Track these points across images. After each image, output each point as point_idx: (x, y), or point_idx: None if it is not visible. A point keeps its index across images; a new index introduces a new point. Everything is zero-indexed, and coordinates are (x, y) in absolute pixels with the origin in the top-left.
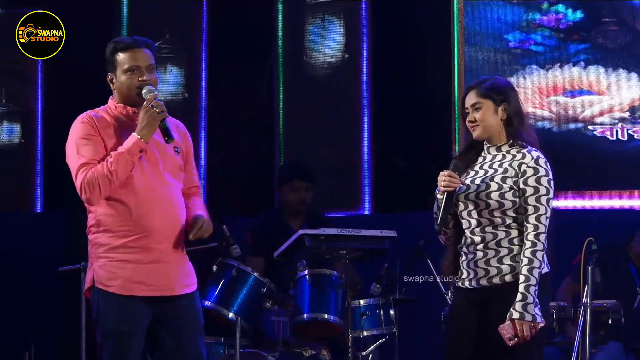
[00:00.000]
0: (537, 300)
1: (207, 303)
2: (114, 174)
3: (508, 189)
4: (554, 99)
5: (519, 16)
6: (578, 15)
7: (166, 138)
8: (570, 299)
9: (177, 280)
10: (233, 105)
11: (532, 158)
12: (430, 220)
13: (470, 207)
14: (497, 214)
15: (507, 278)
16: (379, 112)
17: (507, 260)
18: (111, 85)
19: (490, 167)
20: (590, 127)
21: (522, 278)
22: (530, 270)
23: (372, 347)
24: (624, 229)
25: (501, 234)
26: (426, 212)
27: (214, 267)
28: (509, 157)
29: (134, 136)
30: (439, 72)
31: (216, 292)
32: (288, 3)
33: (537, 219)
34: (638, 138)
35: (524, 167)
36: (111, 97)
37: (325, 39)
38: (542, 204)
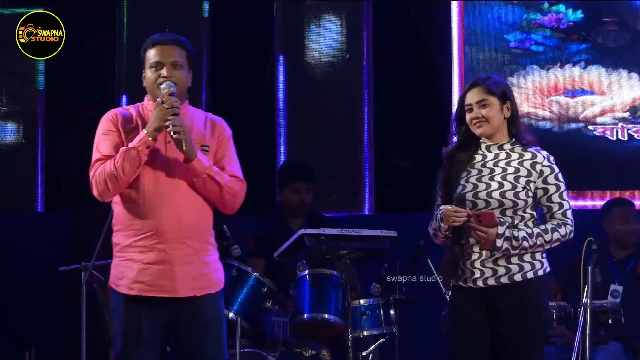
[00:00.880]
0: (522, 245)
1: None
2: (119, 170)
3: (521, 189)
4: (554, 99)
5: (519, 16)
6: (578, 15)
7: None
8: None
9: (182, 282)
10: (233, 105)
11: (544, 157)
12: (430, 220)
13: (481, 205)
14: (508, 213)
15: (516, 277)
16: (380, 112)
17: (515, 260)
18: (143, 82)
19: (496, 165)
20: (590, 127)
21: (535, 229)
22: (544, 232)
23: (372, 347)
24: None
25: None
26: (427, 212)
27: None
28: (514, 155)
29: (142, 133)
30: (440, 72)
31: None
32: (289, 3)
33: (564, 214)
34: (638, 138)
35: (539, 167)
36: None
37: (326, 39)
38: (565, 200)
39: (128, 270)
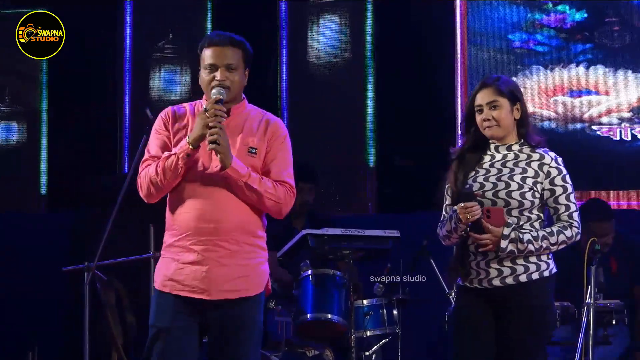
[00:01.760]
0: (527, 248)
1: None
2: (160, 176)
3: (528, 189)
4: (557, 99)
5: (522, 16)
6: (581, 15)
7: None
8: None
9: (216, 284)
10: None
11: (552, 159)
12: (433, 220)
13: (487, 205)
14: (514, 213)
15: (522, 278)
16: (383, 112)
17: (520, 261)
18: (199, 80)
19: (504, 165)
20: (593, 127)
21: (540, 232)
22: (549, 235)
23: (375, 347)
24: (628, 228)
25: None
26: (430, 212)
27: None
28: (522, 156)
29: (184, 140)
30: (442, 72)
31: None
32: (292, 3)
33: (570, 216)
34: None
35: (546, 168)
36: None
37: (329, 39)
38: (572, 202)
39: (166, 267)
